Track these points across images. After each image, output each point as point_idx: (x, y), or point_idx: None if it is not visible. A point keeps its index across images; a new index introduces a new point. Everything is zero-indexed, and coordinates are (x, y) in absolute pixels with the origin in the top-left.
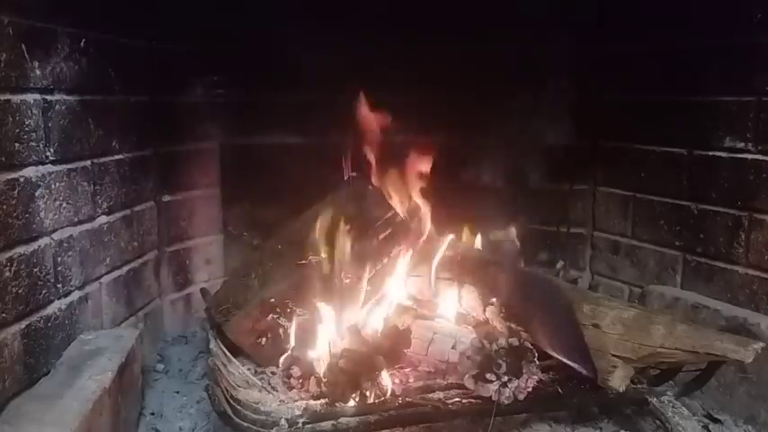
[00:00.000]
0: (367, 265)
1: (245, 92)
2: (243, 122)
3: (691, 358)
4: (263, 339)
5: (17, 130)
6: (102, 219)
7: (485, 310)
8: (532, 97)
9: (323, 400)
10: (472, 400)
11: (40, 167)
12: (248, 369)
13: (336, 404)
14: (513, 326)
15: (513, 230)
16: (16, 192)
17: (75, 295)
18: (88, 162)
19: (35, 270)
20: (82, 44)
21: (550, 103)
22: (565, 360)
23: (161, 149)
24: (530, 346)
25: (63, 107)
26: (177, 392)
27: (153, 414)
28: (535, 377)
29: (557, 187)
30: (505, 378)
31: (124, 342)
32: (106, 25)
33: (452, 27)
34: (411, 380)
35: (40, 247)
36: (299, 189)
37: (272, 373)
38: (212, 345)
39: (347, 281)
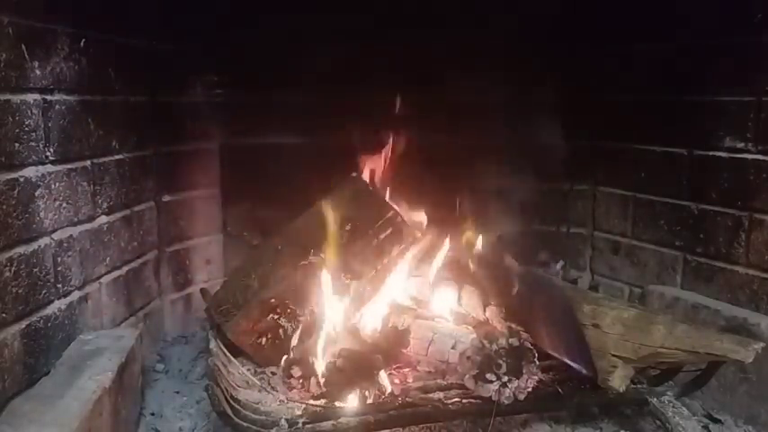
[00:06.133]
0: (367, 265)
1: (245, 92)
2: (243, 122)
3: (691, 358)
4: (263, 339)
5: (17, 130)
6: (102, 219)
7: (485, 310)
8: (532, 97)
9: (323, 400)
10: (472, 400)
11: (40, 167)
12: (248, 369)
13: (336, 404)
14: (513, 326)
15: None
16: (16, 192)
17: (75, 295)
18: (88, 162)
19: (35, 270)
20: (82, 44)
21: (550, 103)
22: (565, 360)
23: (161, 149)
24: (530, 346)
25: (63, 107)
26: (177, 392)
27: (153, 414)
28: (535, 377)
29: (557, 187)
30: (505, 378)
31: (124, 342)
32: (106, 25)
33: (452, 21)
34: (411, 380)
35: (39, 247)
36: (298, 189)
37: (272, 373)
38: (212, 345)
39: (347, 281)
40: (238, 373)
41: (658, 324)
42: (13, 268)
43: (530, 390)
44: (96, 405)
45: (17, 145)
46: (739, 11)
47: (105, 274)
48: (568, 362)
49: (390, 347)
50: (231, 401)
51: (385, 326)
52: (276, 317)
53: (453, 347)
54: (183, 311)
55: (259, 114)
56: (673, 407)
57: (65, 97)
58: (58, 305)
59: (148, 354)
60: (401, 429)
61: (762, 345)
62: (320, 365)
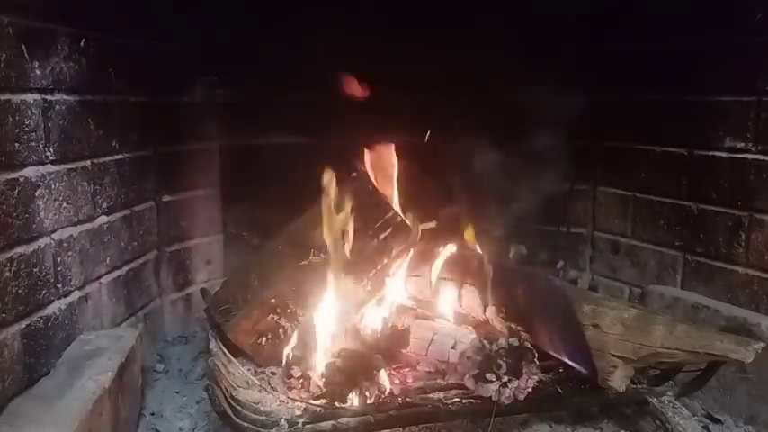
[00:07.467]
0: (367, 265)
1: (245, 92)
2: (243, 122)
3: (691, 358)
4: (263, 339)
5: (17, 130)
6: (102, 219)
7: (485, 310)
8: (532, 96)
9: (323, 401)
10: (472, 400)
11: (40, 167)
12: (248, 369)
13: (336, 404)
14: (513, 326)
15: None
16: (16, 192)
17: (75, 295)
18: (88, 162)
19: (35, 270)
20: (82, 44)
21: (550, 103)
22: (565, 360)
23: (161, 149)
24: (530, 346)
25: (63, 107)
26: (177, 392)
27: (153, 414)
28: (535, 377)
29: (557, 187)
30: (505, 378)
31: (124, 342)
32: (106, 25)
33: (451, 23)
34: (411, 380)
35: (40, 247)
36: (299, 189)
37: (272, 373)
38: (212, 345)
39: (347, 281)
40: (238, 373)
41: (658, 324)
42: (13, 268)
43: (530, 390)
44: (96, 405)
45: (17, 145)
46: (739, 11)
47: (105, 274)
48: (568, 362)
49: (390, 347)
50: (231, 401)
51: (385, 326)
52: (276, 317)
53: (453, 347)
54: (183, 311)
55: (259, 114)
56: (673, 407)
57: (65, 97)
58: (58, 305)
59: (148, 354)
60: (401, 429)
61: (762, 345)
62: (320, 365)
